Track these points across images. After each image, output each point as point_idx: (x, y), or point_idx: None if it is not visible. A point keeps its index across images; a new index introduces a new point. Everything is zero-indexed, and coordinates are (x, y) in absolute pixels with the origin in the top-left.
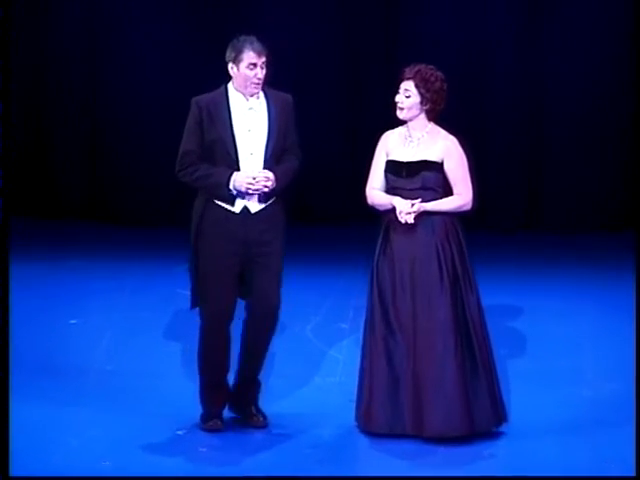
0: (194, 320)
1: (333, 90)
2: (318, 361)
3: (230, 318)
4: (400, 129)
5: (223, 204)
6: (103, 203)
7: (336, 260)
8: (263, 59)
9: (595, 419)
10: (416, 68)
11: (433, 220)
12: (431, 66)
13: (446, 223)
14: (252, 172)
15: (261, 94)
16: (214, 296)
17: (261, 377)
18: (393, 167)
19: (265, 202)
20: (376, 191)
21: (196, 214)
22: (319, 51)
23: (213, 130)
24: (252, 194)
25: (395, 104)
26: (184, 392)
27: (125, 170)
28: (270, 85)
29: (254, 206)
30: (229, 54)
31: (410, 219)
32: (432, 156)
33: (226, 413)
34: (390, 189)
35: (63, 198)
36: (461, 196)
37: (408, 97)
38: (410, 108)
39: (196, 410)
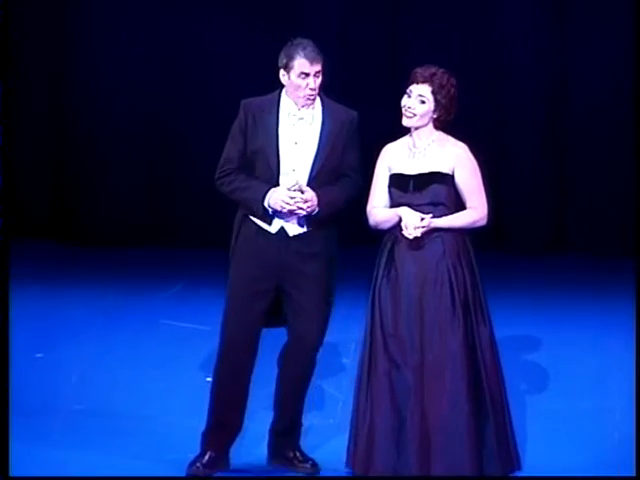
0: (180, 355)
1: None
2: (316, 400)
3: (249, 349)
4: (403, 140)
5: (259, 222)
6: (68, 221)
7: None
8: (317, 67)
9: (623, 463)
10: (431, 70)
11: (444, 238)
12: (444, 69)
13: (458, 242)
14: (292, 189)
15: (318, 104)
16: (232, 321)
17: (303, 420)
18: (398, 181)
19: (308, 226)
20: (378, 208)
21: (234, 230)
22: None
23: (256, 138)
24: (290, 215)
25: (400, 109)
26: (167, 434)
27: (92, 186)
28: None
29: (293, 228)
30: (281, 59)
31: (417, 233)
32: (442, 167)
33: (264, 461)
34: (395, 206)
35: (24, 215)
36: (476, 210)
37: (423, 103)
38: (423, 115)
39: (180, 453)
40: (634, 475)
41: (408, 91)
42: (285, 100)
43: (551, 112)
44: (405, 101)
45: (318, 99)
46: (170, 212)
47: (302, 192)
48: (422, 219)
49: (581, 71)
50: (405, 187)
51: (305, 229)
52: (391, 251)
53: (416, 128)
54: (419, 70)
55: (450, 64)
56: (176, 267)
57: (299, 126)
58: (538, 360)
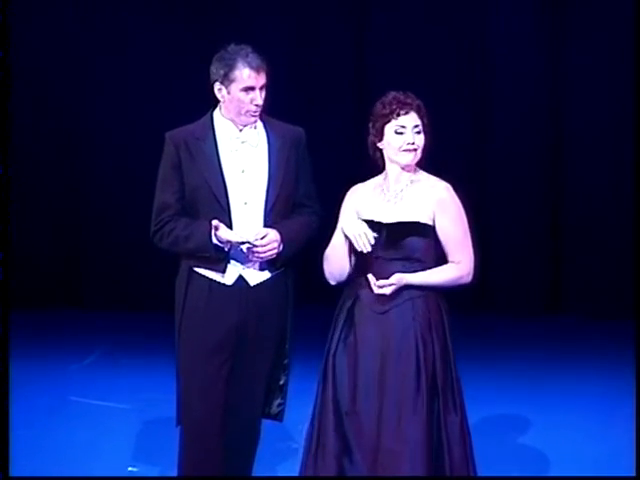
0: (93, 440)
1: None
2: None
3: (219, 433)
4: (375, 180)
5: (211, 274)
6: None
7: None
8: (263, 79)
9: None
10: (411, 96)
11: (415, 301)
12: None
13: (429, 306)
14: (247, 234)
15: (259, 123)
16: (194, 405)
17: None
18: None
19: (269, 270)
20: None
21: (179, 287)
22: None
23: (195, 173)
24: (249, 257)
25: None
26: None
27: None
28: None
29: (253, 275)
30: (215, 71)
31: (385, 291)
32: (421, 215)
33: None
34: (361, 259)
35: None
36: (458, 265)
37: (419, 134)
38: (422, 149)
39: None
40: (634, 475)
41: (398, 126)
42: (220, 121)
43: (546, 160)
44: (405, 138)
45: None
46: (82, 269)
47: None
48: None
49: (577, 119)
50: (376, 237)
51: (268, 274)
52: (350, 311)
53: (403, 167)
54: (402, 98)
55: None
56: (90, 332)
57: (243, 151)
58: (530, 446)
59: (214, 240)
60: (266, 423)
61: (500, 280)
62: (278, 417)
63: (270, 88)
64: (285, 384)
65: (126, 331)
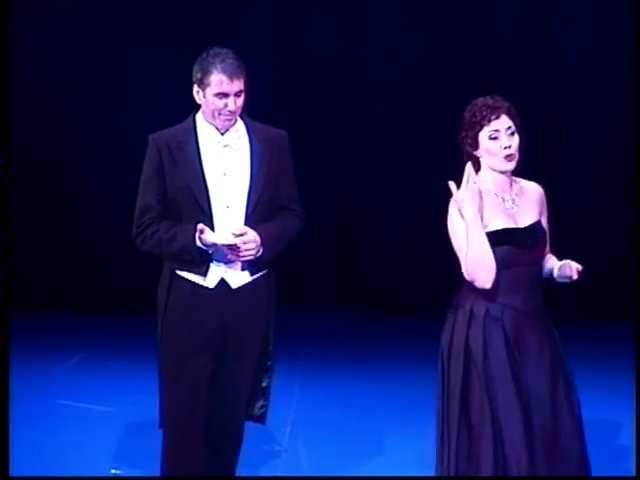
0: (79, 442)
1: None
2: None
3: (201, 435)
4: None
5: (193, 277)
6: None
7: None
8: (238, 86)
9: None
10: (499, 99)
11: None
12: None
13: None
14: (232, 237)
15: (241, 126)
16: (177, 407)
17: None
18: (509, 237)
19: (251, 273)
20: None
21: (161, 290)
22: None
23: (177, 175)
24: (231, 258)
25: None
26: None
27: None
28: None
29: (235, 277)
30: (194, 74)
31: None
32: (537, 215)
33: None
34: (498, 270)
35: None
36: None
37: (512, 135)
38: (517, 150)
39: None
40: (634, 475)
41: (492, 132)
42: (203, 125)
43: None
44: (500, 142)
45: (240, 120)
46: (67, 270)
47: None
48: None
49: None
50: (522, 243)
51: (250, 277)
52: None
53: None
54: (491, 102)
55: None
56: (74, 334)
57: (225, 154)
58: None
59: (198, 243)
60: (249, 425)
61: None
62: (261, 419)
63: (253, 91)
64: (268, 386)
65: (111, 334)
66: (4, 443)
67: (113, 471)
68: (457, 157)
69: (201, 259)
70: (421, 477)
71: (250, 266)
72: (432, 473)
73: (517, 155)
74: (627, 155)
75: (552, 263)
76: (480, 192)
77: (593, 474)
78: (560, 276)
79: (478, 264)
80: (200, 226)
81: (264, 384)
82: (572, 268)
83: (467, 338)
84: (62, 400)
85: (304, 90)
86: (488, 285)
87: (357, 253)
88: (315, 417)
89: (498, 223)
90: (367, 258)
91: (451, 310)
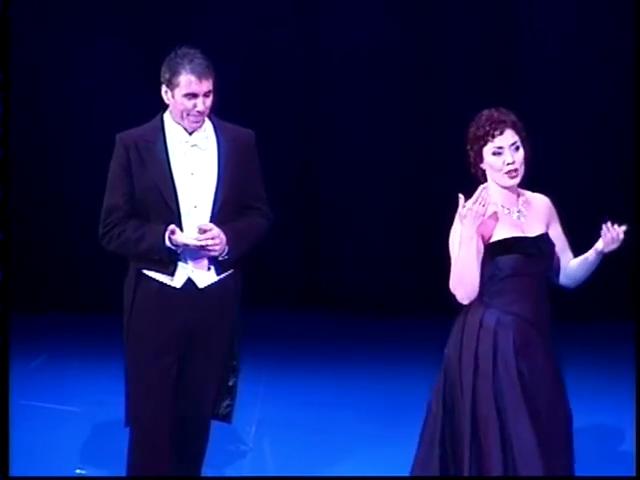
0: (43, 442)
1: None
2: None
3: (167, 434)
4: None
5: (160, 277)
6: None
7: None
8: (207, 86)
9: None
10: (504, 112)
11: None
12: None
13: None
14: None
15: (209, 126)
16: (142, 406)
17: None
18: (517, 245)
19: (217, 272)
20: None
21: (127, 289)
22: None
23: (145, 175)
24: (198, 257)
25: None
26: None
27: None
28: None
29: (202, 277)
30: (162, 74)
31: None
32: (543, 224)
33: None
34: (506, 278)
35: None
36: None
37: (517, 149)
38: (522, 164)
39: None
40: (634, 475)
41: (495, 148)
42: (170, 125)
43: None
44: (503, 158)
45: (207, 120)
46: (29, 268)
47: (205, 232)
48: None
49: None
50: (530, 252)
51: (216, 277)
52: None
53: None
54: (495, 116)
55: None
56: (37, 335)
57: (192, 154)
58: None
59: (168, 243)
60: (215, 424)
61: None
62: (227, 418)
63: (220, 90)
64: (234, 385)
65: (76, 333)
66: (4, 443)
67: (78, 471)
68: (429, 153)
69: (169, 259)
70: (421, 477)
71: (216, 266)
72: (401, 473)
73: (522, 169)
74: (627, 155)
75: (584, 255)
76: (485, 212)
77: (593, 474)
78: (607, 244)
79: (460, 280)
80: (171, 227)
81: (230, 383)
82: (613, 229)
83: (477, 350)
84: (24, 400)
85: (272, 89)
86: (466, 302)
87: (324, 252)
88: (280, 417)
89: (505, 232)
90: (333, 258)
91: (459, 319)
